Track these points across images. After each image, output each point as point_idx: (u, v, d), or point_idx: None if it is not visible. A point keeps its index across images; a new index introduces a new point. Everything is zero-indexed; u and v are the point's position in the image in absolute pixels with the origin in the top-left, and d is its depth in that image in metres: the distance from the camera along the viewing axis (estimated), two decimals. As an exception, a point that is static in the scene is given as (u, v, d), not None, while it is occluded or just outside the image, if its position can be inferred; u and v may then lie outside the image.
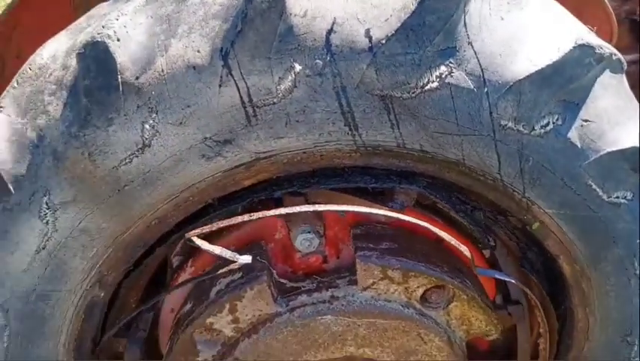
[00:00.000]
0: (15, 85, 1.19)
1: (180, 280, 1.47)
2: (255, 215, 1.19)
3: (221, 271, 1.23)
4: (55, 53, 1.20)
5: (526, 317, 1.61)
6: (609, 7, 1.49)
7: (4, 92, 1.21)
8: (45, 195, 1.19)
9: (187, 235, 1.17)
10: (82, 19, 1.26)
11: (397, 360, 1.47)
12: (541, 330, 1.53)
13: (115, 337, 1.52)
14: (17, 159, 1.17)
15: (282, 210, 1.22)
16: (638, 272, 1.44)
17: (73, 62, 1.15)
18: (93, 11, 1.27)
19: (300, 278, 1.42)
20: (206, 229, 1.17)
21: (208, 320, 1.36)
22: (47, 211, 1.20)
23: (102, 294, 1.34)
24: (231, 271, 1.34)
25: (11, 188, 1.18)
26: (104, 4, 1.27)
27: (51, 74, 1.17)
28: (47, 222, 1.21)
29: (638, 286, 1.47)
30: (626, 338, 1.56)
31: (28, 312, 1.31)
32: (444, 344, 1.43)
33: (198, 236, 1.13)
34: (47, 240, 1.23)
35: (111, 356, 1.56)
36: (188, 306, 1.43)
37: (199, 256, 1.45)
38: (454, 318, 1.44)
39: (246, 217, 1.20)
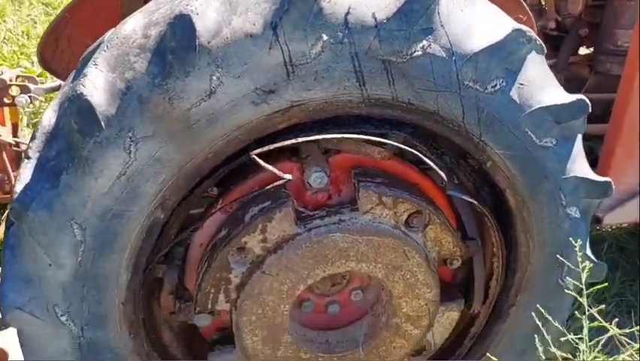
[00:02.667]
0: (105, 49, 1.47)
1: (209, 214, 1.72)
2: (301, 138, 1.52)
3: (268, 187, 1.55)
4: (135, 27, 1.49)
5: (480, 249, 1.90)
6: (530, 13, 1.95)
7: (96, 54, 1.47)
8: (129, 131, 1.43)
9: (251, 154, 1.47)
10: (151, 4, 1.55)
11: (387, 275, 1.76)
12: (494, 249, 1.86)
13: (157, 263, 1.73)
14: (109, 103, 1.43)
15: (322, 136, 1.56)
16: (564, 202, 1.75)
17: (153, 32, 1.44)
18: None
19: (311, 209, 1.71)
20: (265, 148, 1.48)
21: (243, 240, 1.64)
22: (131, 144, 1.43)
23: (162, 216, 1.57)
24: (261, 200, 1.64)
25: (103, 125, 1.42)
26: None
27: (134, 42, 1.46)
28: (130, 153, 1.44)
29: (565, 214, 1.78)
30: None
31: (103, 229, 1.51)
32: (422, 261, 1.75)
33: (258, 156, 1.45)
34: (128, 167, 1.45)
35: (152, 280, 1.77)
36: (224, 232, 1.69)
37: (227, 194, 1.72)
38: (429, 240, 1.76)
39: (300, 140, 1.54)
